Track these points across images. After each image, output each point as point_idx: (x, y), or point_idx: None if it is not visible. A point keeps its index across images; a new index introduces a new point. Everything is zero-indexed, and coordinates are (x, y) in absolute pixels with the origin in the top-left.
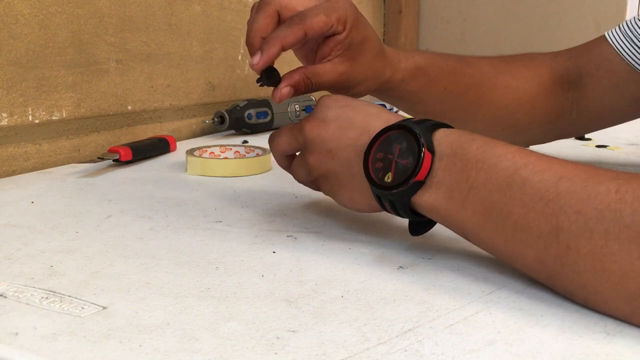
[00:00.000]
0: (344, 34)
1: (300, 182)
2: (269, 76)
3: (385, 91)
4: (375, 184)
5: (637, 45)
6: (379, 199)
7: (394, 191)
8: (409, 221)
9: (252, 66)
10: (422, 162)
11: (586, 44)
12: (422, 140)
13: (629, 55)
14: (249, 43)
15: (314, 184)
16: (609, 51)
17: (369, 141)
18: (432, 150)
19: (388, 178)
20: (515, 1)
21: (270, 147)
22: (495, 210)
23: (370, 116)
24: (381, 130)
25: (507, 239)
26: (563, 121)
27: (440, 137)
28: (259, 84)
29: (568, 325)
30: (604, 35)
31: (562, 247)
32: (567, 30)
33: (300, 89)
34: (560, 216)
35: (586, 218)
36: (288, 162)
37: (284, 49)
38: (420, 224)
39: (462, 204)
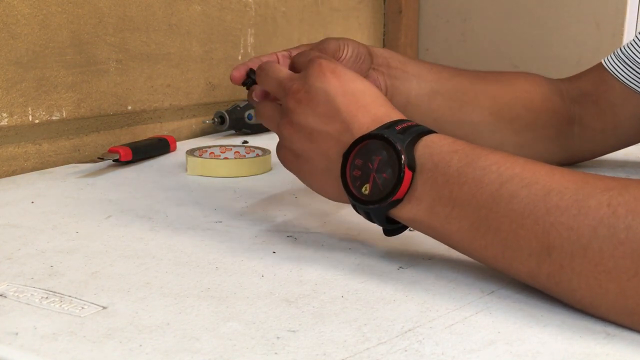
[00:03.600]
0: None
1: (261, 121)
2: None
3: (385, 64)
4: (352, 195)
5: (629, 66)
6: (354, 206)
7: (371, 206)
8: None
9: (231, 77)
10: (402, 181)
11: (582, 72)
12: (403, 157)
13: (622, 76)
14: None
15: (280, 148)
16: (604, 74)
17: (350, 141)
18: (413, 167)
19: (365, 190)
20: (515, 1)
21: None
22: (483, 227)
23: (359, 108)
24: (362, 137)
25: (497, 256)
26: (566, 133)
27: (422, 147)
28: (245, 86)
29: (568, 325)
30: (601, 63)
31: (555, 265)
32: (567, 30)
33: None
34: (551, 234)
35: (579, 235)
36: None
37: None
38: (395, 229)
39: (446, 220)
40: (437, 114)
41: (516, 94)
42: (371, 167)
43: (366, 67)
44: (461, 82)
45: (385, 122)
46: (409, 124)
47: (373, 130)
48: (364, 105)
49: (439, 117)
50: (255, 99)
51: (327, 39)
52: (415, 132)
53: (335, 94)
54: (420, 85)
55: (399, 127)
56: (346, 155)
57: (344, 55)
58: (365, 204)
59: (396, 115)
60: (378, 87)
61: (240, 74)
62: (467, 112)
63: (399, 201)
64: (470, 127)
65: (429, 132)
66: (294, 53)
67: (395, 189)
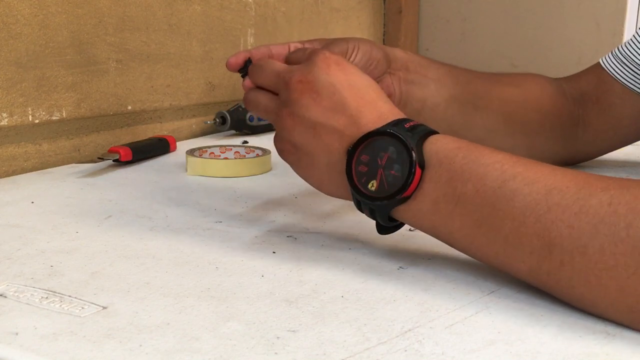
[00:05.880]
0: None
1: (252, 111)
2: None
3: (404, 68)
4: (359, 191)
5: (627, 67)
6: (357, 202)
7: (378, 203)
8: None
9: (227, 63)
10: (413, 179)
11: (581, 71)
12: (414, 154)
13: (621, 77)
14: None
15: (279, 139)
16: (603, 74)
17: (356, 136)
18: (423, 165)
19: (372, 186)
20: (515, 1)
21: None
22: (485, 224)
23: (365, 104)
24: (370, 133)
25: (498, 253)
26: (571, 134)
27: (428, 145)
28: (241, 74)
29: (568, 325)
30: (599, 62)
31: (555, 263)
32: (567, 30)
33: None
34: (552, 231)
35: (579, 233)
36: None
37: (252, 57)
38: (391, 227)
39: (449, 217)
40: (452, 119)
41: (528, 97)
42: (379, 163)
43: (380, 72)
44: (478, 87)
45: (392, 119)
46: (415, 123)
47: (381, 127)
48: (370, 100)
49: (453, 122)
50: (244, 89)
51: (337, 40)
52: (422, 130)
53: (342, 87)
54: (439, 91)
55: (407, 125)
56: (352, 151)
57: (351, 59)
58: (372, 200)
59: (400, 115)
60: (391, 92)
61: (238, 61)
62: (482, 117)
63: (407, 198)
64: (483, 132)
65: (433, 132)
66: (307, 46)
67: (405, 186)
